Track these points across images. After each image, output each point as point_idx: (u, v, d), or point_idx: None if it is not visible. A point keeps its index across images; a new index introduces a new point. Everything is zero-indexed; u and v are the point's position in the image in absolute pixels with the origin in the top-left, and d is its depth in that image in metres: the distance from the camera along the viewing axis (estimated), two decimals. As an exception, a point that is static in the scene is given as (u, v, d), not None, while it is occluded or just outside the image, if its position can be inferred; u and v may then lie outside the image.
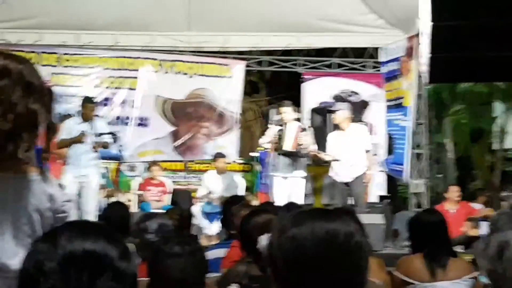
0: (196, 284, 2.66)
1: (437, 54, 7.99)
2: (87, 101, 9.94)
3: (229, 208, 4.94)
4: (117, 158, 11.73)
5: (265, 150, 10.09)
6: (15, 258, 2.00)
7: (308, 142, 9.65)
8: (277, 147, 9.60)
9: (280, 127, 9.64)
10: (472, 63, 7.71)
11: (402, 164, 11.65)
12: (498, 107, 20.89)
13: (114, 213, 4.87)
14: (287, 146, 9.50)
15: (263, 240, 3.35)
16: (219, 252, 4.43)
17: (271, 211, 3.87)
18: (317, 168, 11.37)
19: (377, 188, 12.32)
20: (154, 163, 11.83)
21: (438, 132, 20.64)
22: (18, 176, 2.16)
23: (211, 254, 4.56)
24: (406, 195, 12.81)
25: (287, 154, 9.57)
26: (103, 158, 10.17)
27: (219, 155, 11.35)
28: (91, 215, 9.41)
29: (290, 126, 9.54)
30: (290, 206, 4.33)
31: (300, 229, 1.77)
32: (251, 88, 20.80)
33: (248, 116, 21.43)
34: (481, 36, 7.76)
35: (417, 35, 10.53)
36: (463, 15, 7.69)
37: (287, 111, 9.71)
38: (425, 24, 9.18)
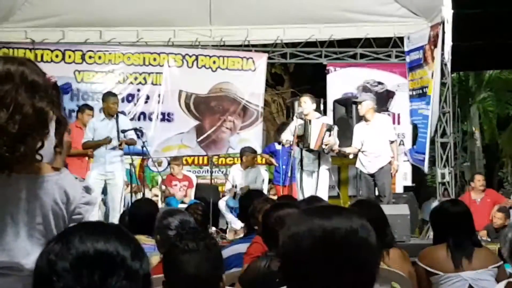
0: (211, 280, 2.66)
1: (459, 42, 7.92)
2: (109, 95, 10.01)
3: (246, 203, 4.93)
4: (142, 154, 11.76)
5: (283, 144, 10.06)
6: (30, 258, 2.03)
7: (332, 142, 9.62)
8: (301, 141, 9.58)
9: (301, 121, 9.61)
10: (495, 51, 7.65)
11: (423, 153, 11.59)
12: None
13: (141, 210, 4.88)
14: (312, 145, 9.49)
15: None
16: (241, 247, 4.43)
17: (292, 205, 3.86)
18: (342, 159, 11.36)
19: (402, 178, 12.25)
20: (174, 159, 11.87)
21: (465, 120, 20.52)
22: (31, 176, 2.18)
23: (232, 250, 4.58)
24: (435, 184, 12.74)
25: (311, 150, 9.57)
26: (128, 154, 10.21)
27: (248, 149, 11.35)
28: (117, 212, 9.49)
29: (314, 124, 9.50)
30: (311, 199, 4.31)
31: (299, 227, 1.76)
32: (275, 80, 20.80)
33: (273, 108, 21.44)
34: (503, 24, 7.68)
35: (440, 23, 10.47)
36: (485, 3, 7.62)
37: (307, 102, 9.72)
38: (447, 12, 9.12)
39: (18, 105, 2.12)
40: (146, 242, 4.67)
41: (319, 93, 12.84)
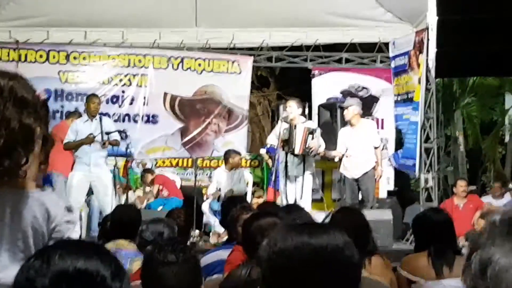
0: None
1: (444, 48, 7.96)
2: (91, 96, 10.02)
3: (227, 209, 4.93)
4: (126, 155, 11.74)
5: (271, 146, 10.09)
6: (7, 272, 2.02)
7: (316, 145, 9.64)
8: (285, 146, 9.60)
9: (286, 125, 9.63)
10: (479, 58, 7.69)
11: (413, 159, 11.62)
12: (509, 99, 20.83)
13: (123, 215, 4.86)
14: (296, 149, 9.52)
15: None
16: (223, 254, 4.42)
17: (271, 213, 3.85)
18: (326, 163, 11.38)
19: (386, 183, 12.29)
20: (147, 170, 11.88)
21: (448, 125, 20.59)
22: (14, 191, 2.17)
23: (214, 256, 4.57)
24: (418, 188, 12.79)
25: (296, 154, 9.59)
26: (112, 155, 10.20)
27: (232, 152, 11.36)
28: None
29: (298, 128, 9.53)
30: (291, 207, 4.31)
31: (286, 244, 1.78)
32: (260, 82, 20.84)
33: (258, 110, 21.47)
34: (487, 30, 7.73)
35: (426, 29, 10.52)
36: (470, 9, 7.66)
37: (292, 106, 9.73)
38: (432, 18, 9.16)
39: (5, 120, 2.11)
40: (128, 247, 4.67)
41: (305, 96, 12.86)
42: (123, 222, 4.72)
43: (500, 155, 22.04)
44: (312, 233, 1.81)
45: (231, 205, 4.97)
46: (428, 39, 9.89)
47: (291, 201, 9.63)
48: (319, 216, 11.33)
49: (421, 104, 11.27)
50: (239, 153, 11.55)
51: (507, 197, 12.13)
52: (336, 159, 10.09)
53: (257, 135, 20.69)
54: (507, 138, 21.63)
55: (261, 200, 12.27)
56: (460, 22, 7.92)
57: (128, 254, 4.57)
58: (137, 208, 4.97)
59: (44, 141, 2.21)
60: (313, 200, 10.30)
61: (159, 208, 10.61)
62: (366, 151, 9.87)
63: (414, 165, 11.51)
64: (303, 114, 10.06)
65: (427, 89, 11.43)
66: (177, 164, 13.18)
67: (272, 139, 9.91)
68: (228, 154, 11.33)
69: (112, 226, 4.80)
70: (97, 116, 9.77)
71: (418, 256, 4.70)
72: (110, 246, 4.66)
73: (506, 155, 21.69)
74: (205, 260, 4.79)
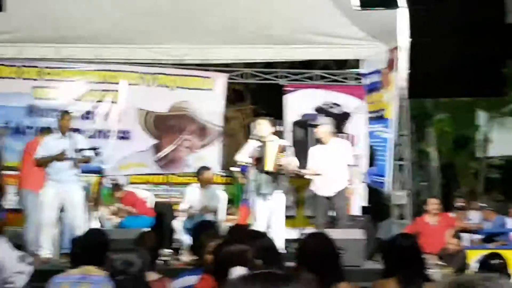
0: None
1: (415, 69, 8.03)
2: (63, 113, 9.96)
3: (197, 235, 4.91)
4: (98, 172, 11.68)
5: (246, 164, 10.07)
6: None
7: (288, 162, 9.64)
8: (257, 164, 9.59)
9: (259, 143, 9.62)
10: (451, 79, 7.76)
11: (383, 176, 11.69)
12: (481, 116, 21.04)
13: (92, 240, 4.83)
14: (268, 167, 9.51)
15: (236, 271, 3.35)
16: (192, 279, 4.41)
17: (239, 240, 3.84)
18: (300, 180, 11.39)
19: (359, 200, 12.34)
20: (116, 186, 11.80)
21: (422, 140, 20.75)
22: None
23: (182, 282, 4.55)
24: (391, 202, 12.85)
25: (268, 172, 9.58)
26: (84, 172, 10.15)
27: (204, 168, 11.32)
28: (83, 230, 9.40)
29: (270, 146, 9.52)
30: (255, 234, 4.30)
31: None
32: (235, 96, 20.83)
33: (233, 125, 21.44)
34: (460, 52, 7.82)
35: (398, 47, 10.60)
36: (441, 31, 7.74)
37: (263, 124, 9.72)
38: (403, 39, 9.24)
39: None
40: (96, 273, 4.63)
41: (279, 110, 12.91)
42: (91, 247, 4.68)
43: (473, 170, 22.22)
44: (274, 284, 1.80)
45: (200, 230, 4.96)
46: (397, 59, 9.96)
47: (263, 220, 9.62)
48: (292, 233, 11.43)
49: (394, 122, 11.34)
50: (209, 169, 11.49)
51: (473, 213, 12.23)
52: (308, 176, 10.09)
53: (232, 150, 20.65)
54: (479, 154, 21.83)
55: (234, 217, 12.26)
56: (432, 44, 8.00)
57: (98, 280, 4.53)
58: (105, 233, 4.92)
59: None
60: (287, 217, 10.27)
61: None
62: (338, 169, 9.88)
63: (384, 182, 11.58)
64: (275, 132, 10.06)
65: (400, 106, 11.50)
66: (150, 181, 13.12)
67: (243, 157, 9.88)
68: (199, 171, 11.29)
69: (80, 251, 4.76)
70: (69, 133, 9.71)
71: (387, 282, 4.70)
72: (77, 271, 4.63)
73: (478, 170, 21.88)
74: (174, 285, 4.77)
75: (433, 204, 11.21)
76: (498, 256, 5.16)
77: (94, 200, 11.65)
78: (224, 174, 13.40)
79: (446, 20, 7.83)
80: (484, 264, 5.19)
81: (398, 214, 11.82)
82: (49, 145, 9.52)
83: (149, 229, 10.46)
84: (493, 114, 20.68)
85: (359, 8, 8.09)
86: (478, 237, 11.63)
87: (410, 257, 4.69)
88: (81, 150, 9.55)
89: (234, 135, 20.89)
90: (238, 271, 3.03)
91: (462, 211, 12.35)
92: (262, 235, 3.85)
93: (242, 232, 5.10)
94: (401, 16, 8.86)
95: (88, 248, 4.72)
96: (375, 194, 12.91)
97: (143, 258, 3.97)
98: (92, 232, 5.18)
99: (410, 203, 12.00)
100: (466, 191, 21.17)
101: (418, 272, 4.68)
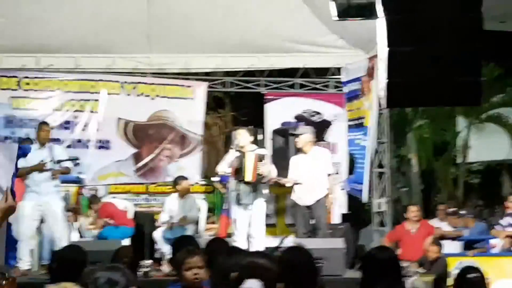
0: None
1: (393, 79, 8.05)
2: (42, 124, 9.94)
3: (177, 250, 4.89)
4: (78, 182, 11.65)
5: (226, 174, 10.08)
6: None
7: (267, 171, 9.67)
8: (237, 174, 9.61)
9: (238, 153, 9.64)
10: (430, 88, 7.79)
11: (362, 183, 11.73)
12: (460, 122, 21.19)
13: (69, 256, 4.81)
14: (247, 177, 9.53)
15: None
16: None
17: (218, 254, 3.82)
18: (279, 188, 11.40)
19: (339, 208, 12.36)
20: (93, 198, 11.78)
21: (402, 146, 20.87)
22: None
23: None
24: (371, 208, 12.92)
25: (247, 182, 9.60)
26: (63, 182, 10.12)
27: (181, 178, 11.30)
28: (63, 241, 9.40)
29: (249, 156, 9.55)
30: (232, 250, 4.28)
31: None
32: (215, 103, 20.84)
33: (214, 132, 21.46)
34: (437, 61, 7.85)
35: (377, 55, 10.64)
36: (419, 40, 7.79)
37: (243, 134, 9.75)
38: (382, 49, 9.25)
39: None
40: (73, 289, 4.61)
41: (260, 117, 12.93)
42: (68, 263, 4.67)
43: (453, 175, 22.36)
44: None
45: (179, 246, 4.95)
46: (376, 68, 9.99)
47: (243, 229, 9.64)
48: (273, 242, 11.45)
49: (372, 129, 11.38)
50: (186, 178, 11.48)
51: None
52: (288, 185, 10.11)
53: (212, 157, 20.66)
54: (459, 160, 21.97)
55: (214, 226, 12.27)
56: (410, 53, 8.03)
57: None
58: (83, 249, 4.90)
59: None
60: (267, 225, 10.30)
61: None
62: (318, 178, 9.92)
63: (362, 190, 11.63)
64: (254, 141, 10.08)
65: (380, 114, 11.55)
66: (130, 190, 13.08)
67: (223, 167, 9.90)
68: (176, 181, 11.27)
69: (58, 266, 4.74)
70: (48, 144, 9.68)
71: (365, 295, 4.72)
72: (52, 288, 4.61)
73: (458, 176, 22.01)
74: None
75: (413, 211, 11.24)
76: (476, 269, 5.18)
77: (73, 210, 11.61)
78: (204, 182, 13.40)
79: (424, 28, 7.86)
80: (461, 278, 5.21)
81: (379, 221, 11.87)
82: (29, 155, 9.49)
83: (128, 240, 10.48)
84: (472, 120, 20.84)
85: (337, 19, 8.09)
86: (458, 244, 11.68)
87: (388, 269, 4.71)
88: (60, 161, 9.52)
89: (214, 142, 20.93)
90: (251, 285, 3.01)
91: (454, 216, 12.32)
92: (241, 251, 3.85)
93: (220, 246, 5.11)
94: (380, 25, 8.88)
95: (66, 264, 4.70)
96: (355, 201, 12.96)
97: (127, 276, 3.94)
98: (70, 247, 5.16)
99: (390, 210, 12.07)
100: (445, 196, 21.30)
101: (396, 284, 4.70)
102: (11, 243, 9.95)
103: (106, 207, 11.57)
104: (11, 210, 3.18)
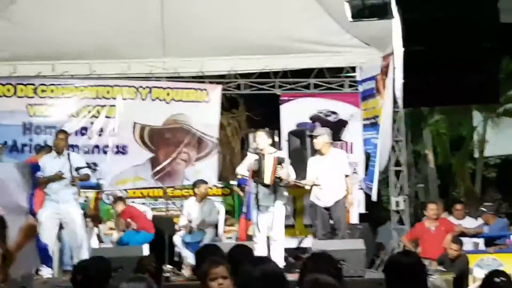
0: None
1: (410, 79, 8.04)
2: (59, 132, 10.00)
3: (201, 260, 4.88)
4: (96, 187, 11.68)
5: (244, 176, 10.10)
6: None
7: (286, 174, 9.67)
8: (256, 177, 9.62)
9: (256, 156, 9.65)
10: (446, 87, 7.79)
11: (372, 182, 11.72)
12: (477, 116, 21.10)
13: (93, 267, 4.82)
14: (266, 179, 9.54)
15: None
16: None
17: (241, 264, 3.80)
18: (297, 189, 11.40)
19: (356, 206, 12.30)
20: (119, 199, 11.81)
21: (418, 142, 20.80)
22: None
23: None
24: (390, 205, 12.87)
25: (266, 185, 9.61)
26: (82, 187, 10.15)
27: (199, 182, 11.34)
28: (84, 250, 9.46)
29: (268, 159, 9.56)
30: (257, 259, 4.23)
31: None
32: (229, 103, 20.80)
33: (228, 132, 21.42)
34: (454, 60, 7.84)
35: (391, 53, 10.60)
36: (434, 39, 7.77)
37: (261, 137, 9.76)
38: (397, 49, 9.25)
39: None
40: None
41: (274, 117, 12.90)
42: (92, 276, 4.68)
43: (470, 170, 22.28)
44: None
45: (204, 256, 4.95)
46: (394, 67, 9.94)
47: (263, 231, 9.65)
48: (291, 242, 11.46)
49: (384, 127, 11.30)
50: (205, 182, 11.53)
51: (468, 219, 12.19)
52: (307, 187, 10.11)
53: (227, 157, 20.64)
54: (476, 154, 21.89)
55: (233, 228, 12.28)
56: (426, 52, 8.01)
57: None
58: (106, 260, 4.91)
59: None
60: (285, 226, 10.31)
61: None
62: (336, 180, 9.92)
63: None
64: (272, 143, 10.08)
65: (396, 112, 11.51)
66: (147, 195, 13.12)
67: (243, 170, 9.91)
68: (195, 185, 11.31)
69: (82, 280, 4.76)
70: (65, 152, 9.72)
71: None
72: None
73: (475, 170, 21.92)
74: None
75: (432, 209, 11.24)
76: (503, 273, 5.15)
77: (92, 216, 11.65)
78: (221, 185, 13.41)
79: (439, 27, 7.83)
80: (488, 281, 5.18)
81: (397, 219, 11.84)
82: (47, 165, 9.54)
83: (148, 247, 10.50)
84: (489, 114, 20.74)
85: (352, 20, 8.09)
86: (478, 241, 11.63)
87: (412, 274, 4.69)
88: (78, 168, 9.57)
89: (229, 143, 20.88)
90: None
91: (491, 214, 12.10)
92: (266, 260, 3.84)
93: (244, 253, 5.11)
94: (395, 25, 8.87)
95: (90, 276, 4.71)
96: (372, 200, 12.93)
97: (151, 286, 3.97)
98: (94, 259, 5.17)
99: (408, 208, 12.03)
100: (463, 191, 21.25)
101: (421, 289, 4.68)
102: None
103: (129, 209, 11.62)
104: (32, 230, 3.19)
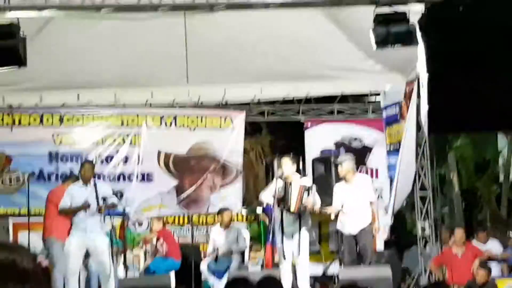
0: None
1: (435, 105, 8.04)
2: (85, 162, 10.09)
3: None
4: (122, 214, 11.73)
5: (268, 204, 10.11)
6: None
7: (312, 203, 9.66)
8: (281, 204, 9.61)
9: (282, 183, 9.64)
10: (472, 114, 7.77)
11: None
12: (501, 139, 20.98)
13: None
14: (292, 207, 9.54)
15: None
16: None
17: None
18: (322, 215, 11.38)
19: (383, 232, 12.25)
20: (157, 218, 11.86)
21: (442, 165, 20.68)
22: None
23: None
24: (415, 229, 12.78)
25: (292, 212, 9.60)
26: (108, 215, 10.20)
27: (224, 210, 11.38)
28: (111, 278, 9.50)
29: (294, 186, 9.55)
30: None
31: None
32: (252, 128, 20.84)
33: (251, 156, 21.43)
34: (480, 86, 7.83)
35: (415, 79, 10.62)
36: (460, 66, 7.77)
37: (287, 164, 9.76)
38: (422, 75, 9.26)
39: None
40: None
41: (298, 141, 12.92)
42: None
43: (495, 193, 22.09)
44: None
45: (232, 286, 4.95)
46: (418, 93, 9.94)
47: (288, 258, 9.64)
48: (317, 269, 11.42)
49: (405, 151, 11.27)
50: (229, 210, 11.59)
51: (492, 241, 12.12)
52: (332, 216, 10.11)
53: (251, 182, 20.66)
54: (501, 178, 21.73)
55: (258, 254, 12.27)
56: (451, 78, 8.02)
57: None
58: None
59: None
60: (311, 253, 10.29)
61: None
62: (362, 206, 9.89)
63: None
64: (297, 170, 10.08)
65: (420, 137, 11.48)
66: (173, 221, 13.15)
67: (267, 197, 9.90)
68: (219, 212, 11.38)
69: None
70: (92, 181, 9.78)
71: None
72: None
73: (501, 193, 21.74)
74: None
75: (459, 234, 11.18)
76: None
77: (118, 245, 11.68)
78: (246, 212, 13.41)
79: (465, 54, 7.83)
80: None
81: (423, 244, 11.78)
82: (73, 194, 9.59)
83: (175, 275, 10.52)
84: (513, 138, 20.62)
85: (376, 47, 8.11)
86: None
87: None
88: (105, 197, 9.62)
89: (252, 168, 20.90)
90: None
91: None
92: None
93: (274, 284, 5.11)
94: (419, 51, 8.89)
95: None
96: (398, 221, 12.89)
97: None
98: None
99: (433, 233, 11.97)
100: (488, 215, 21.09)
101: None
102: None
103: (166, 231, 11.70)
104: None
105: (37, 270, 2.17)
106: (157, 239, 11.61)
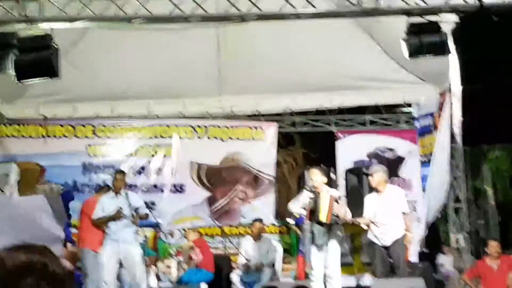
0: None
1: (469, 116, 7.97)
2: (117, 173, 10.12)
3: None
4: (154, 226, 11.76)
5: (301, 216, 10.04)
6: None
7: (343, 212, 9.58)
8: (312, 215, 9.54)
9: (312, 194, 9.56)
10: (506, 124, 7.67)
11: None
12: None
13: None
14: (322, 218, 9.45)
15: None
16: None
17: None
18: (355, 226, 11.30)
19: (417, 245, 12.15)
20: (193, 230, 11.87)
21: (477, 178, 20.49)
22: None
23: None
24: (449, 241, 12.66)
25: (322, 223, 9.52)
26: (141, 226, 10.23)
27: (256, 221, 11.34)
28: (143, 287, 9.51)
29: (323, 197, 9.47)
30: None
31: None
32: (285, 140, 20.82)
33: (284, 169, 21.40)
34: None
35: (449, 90, 10.54)
36: (493, 76, 7.69)
37: (316, 174, 9.67)
38: (455, 86, 9.19)
39: None
40: None
41: (331, 153, 12.86)
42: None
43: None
44: None
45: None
46: (451, 104, 9.87)
47: (320, 270, 9.55)
48: (350, 281, 11.33)
49: (438, 162, 11.17)
50: (261, 220, 11.54)
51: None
52: (364, 227, 10.01)
53: (284, 195, 20.62)
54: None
55: (291, 267, 12.20)
56: (485, 89, 7.93)
57: None
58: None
59: None
60: (343, 264, 10.18)
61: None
62: (394, 218, 9.77)
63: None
64: (328, 181, 10.00)
65: (454, 148, 11.38)
66: (205, 233, 13.15)
67: (295, 207, 9.81)
68: (251, 223, 11.35)
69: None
70: (123, 191, 9.81)
71: None
72: None
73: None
74: None
75: (493, 246, 11.01)
76: None
77: (151, 256, 11.71)
78: (278, 224, 13.36)
79: (498, 64, 7.76)
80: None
81: (458, 256, 11.64)
82: (105, 205, 9.63)
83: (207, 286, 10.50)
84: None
85: (409, 57, 8.05)
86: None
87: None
88: (137, 208, 9.64)
89: (285, 180, 20.87)
90: None
91: None
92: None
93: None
94: (452, 62, 8.82)
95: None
96: (432, 232, 12.76)
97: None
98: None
99: (468, 245, 11.83)
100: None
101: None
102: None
103: (202, 240, 11.69)
104: (74, 256, 3.19)
105: (65, 274, 2.18)
106: (193, 249, 11.60)
